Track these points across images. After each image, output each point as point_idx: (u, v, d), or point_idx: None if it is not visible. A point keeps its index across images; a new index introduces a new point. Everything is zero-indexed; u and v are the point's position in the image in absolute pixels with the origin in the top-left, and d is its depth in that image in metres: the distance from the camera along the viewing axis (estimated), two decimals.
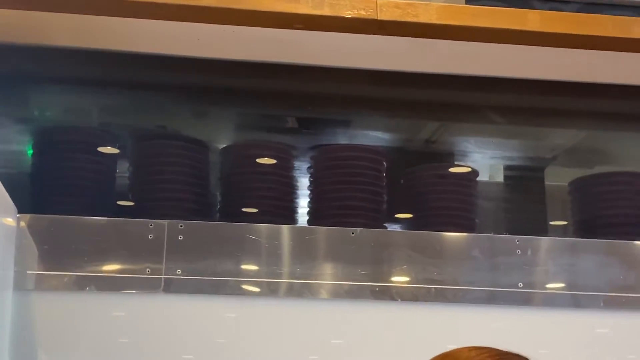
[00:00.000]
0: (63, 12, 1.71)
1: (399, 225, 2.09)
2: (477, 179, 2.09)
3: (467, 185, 2.07)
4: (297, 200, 2.01)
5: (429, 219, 2.01)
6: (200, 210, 1.93)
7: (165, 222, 1.76)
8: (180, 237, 1.75)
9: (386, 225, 2.00)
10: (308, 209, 2.00)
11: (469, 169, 2.11)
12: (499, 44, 1.87)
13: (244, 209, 1.94)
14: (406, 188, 2.07)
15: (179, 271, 1.73)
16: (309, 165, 2.03)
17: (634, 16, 1.83)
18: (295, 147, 2.05)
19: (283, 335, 1.75)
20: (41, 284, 1.70)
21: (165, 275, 1.73)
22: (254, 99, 2.13)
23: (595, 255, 1.88)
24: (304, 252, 1.80)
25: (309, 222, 1.98)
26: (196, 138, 2.01)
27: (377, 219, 1.97)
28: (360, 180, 1.96)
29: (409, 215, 2.06)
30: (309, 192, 2.01)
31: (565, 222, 2.21)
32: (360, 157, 2.00)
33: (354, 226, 1.85)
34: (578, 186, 2.14)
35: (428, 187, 2.05)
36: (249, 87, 2.11)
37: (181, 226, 1.76)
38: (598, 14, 1.83)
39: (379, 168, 2.02)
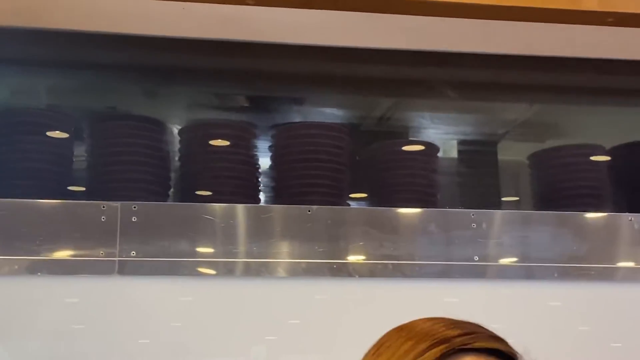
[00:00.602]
0: None
1: (364, 203, 2.09)
2: (437, 154, 2.10)
3: (427, 161, 2.07)
4: (258, 179, 1.99)
5: (390, 195, 2.01)
6: (159, 191, 1.90)
7: (118, 203, 1.72)
8: (134, 219, 1.72)
9: (349, 203, 1.99)
10: (270, 187, 1.99)
11: (423, 147, 2.11)
12: (452, 18, 1.87)
13: (200, 191, 1.92)
14: (367, 165, 2.06)
15: (133, 253, 1.70)
16: (269, 144, 2.01)
17: None
18: (254, 125, 2.03)
19: (241, 315, 1.74)
20: None
21: (119, 257, 1.69)
22: (206, 77, 2.10)
23: (548, 227, 1.90)
24: (260, 231, 1.78)
25: (270, 201, 1.97)
26: (151, 117, 1.97)
27: (338, 196, 1.96)
28: (320, 158, 1.95)
29: (364, 195, 2.05)
30: (270, 171, 2.00)
31: (517, 198, 2.22)
32: (320, 134, 1.99)
33: (315, 204, 1.84)
34: (538, 159, 2.15)
35: (388, 164, 2.05)
36: (200, 65, 2.07)
37: (134, 207, 1.73)
38: None
39: (339, 145, 2.00)
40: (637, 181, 2.11)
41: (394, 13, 1.81)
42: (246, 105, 2.21)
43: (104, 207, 1.71)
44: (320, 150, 1.95)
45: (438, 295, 1.82)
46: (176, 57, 2.06)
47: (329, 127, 2.03)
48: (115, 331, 1.68)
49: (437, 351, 0.90)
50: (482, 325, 0.95)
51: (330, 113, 2.20)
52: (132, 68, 2.06)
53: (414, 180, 2.03)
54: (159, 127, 1.96)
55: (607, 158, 2.12)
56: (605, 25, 1.86)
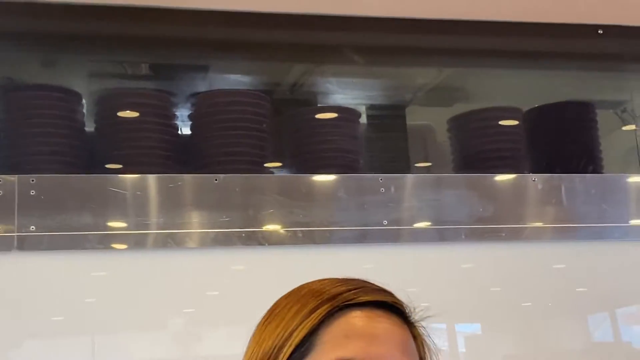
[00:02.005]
0: None
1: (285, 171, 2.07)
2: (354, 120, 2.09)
3: (343, 126, 2.07)
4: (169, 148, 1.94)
5: (305, 162, 2.01)
6: (73, 163, 1.84)
7: (15, 177, 1.66)
8: (33, 192, 1.66)
9: (273, 171, 1.98)
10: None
11: (335, 114, 2.10)
12: None
13: (113, 163, 1.87)
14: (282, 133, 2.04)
15: (32, 228, 1.65)
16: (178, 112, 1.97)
17: None
18: (167, 93, 1.98)
19: (156, 289, 1.71)
20: None
21: (17, 232, 1.64)
22: (107, 44, 2.03)
23: (455, 190, 1.92)
24: (168, 201, 1.75)
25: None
26: (55, 85, 1.90)
27: (258, 163, 1.94)
28: (238, 126, 1.92)
29: (279, 164, 2.03)
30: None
31: (429, 164, 2.24)
32: (237, 102, 1.96)
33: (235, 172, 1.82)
34: (456, 123, 2.17)
35: (302, 132, 2.03)
36: (99, 32, 2.00)
37: (32, 180, 1.67)
38: None
39: (259, 112, 1.97)
40: (548, 142, 2.15)
41: None
42: (150, 73, 2.15)
43: (0, 181, 1.65)
44: (237, 117, 1.93)
45: (351, 261, 1.82)
46: (75, 25, 1.98)
47: (245, 94, 2.00)
48: (24, 310, 1.62)
49: (322, 310, 0.92)
50: (368, 280, 0.97)
51: (235, 80, 2.17)
52: (30, 36, 1.98)
53: (330, 147, 2.03)
54: (64, 96, 1.89)
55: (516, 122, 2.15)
56: None
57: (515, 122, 2.14)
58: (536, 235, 1.96)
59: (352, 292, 0.94)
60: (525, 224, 1.94)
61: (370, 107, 2.27)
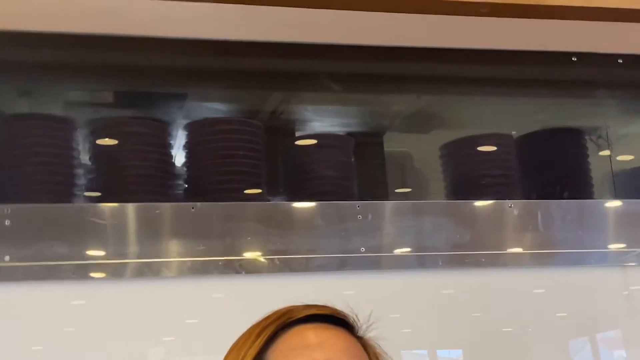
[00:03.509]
0: None
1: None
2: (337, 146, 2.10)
3: (324, 153, 2.09)
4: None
5: (286, 189, 2.02)
6: (50, 190, 1.83)
7: None
8: (7, 222, 1.65)
9: (270, 198, 1.98)
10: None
11: (314, 141, 2.11)
12: (334, 10, 1.87)
13: (87, 192, 1.87)
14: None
15: (7, 258, 1.63)
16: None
17: None
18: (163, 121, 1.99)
19: (135, 318, 1.70)
20: None
21: None
22: (82, 73, 2.03)
23: (432, 217, 1.92)
24: (145, 230, 1.74)
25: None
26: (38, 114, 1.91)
27: (237, 190, 1.94)
28: (219, 154, 1.93)
29: (259, 191, 2.03)
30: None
31: (409, 189, 2.25)
32: (219, 130, 1.98)
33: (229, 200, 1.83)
34: (449, 150, 2.18)
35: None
36: (75, 60, 2.01)
37: (7, 210, 1.66)
38: None
39: (240, 139, 1.98)
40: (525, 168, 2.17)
41: (273, 5, 1.80)
42: (128, 101, 2.15)
43: None
44: (219, 146, 1.94)
45: (329, 288, 1.82)
46: (52, 53, 1.98)
47: (224, 122, 2.03)
48: (3, 340, 1.61)
49: (269, 329, 1.01)
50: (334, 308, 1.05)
51: (213, 108, 2.17)
52: (5, 65, 1.97)
53: (308, 174, 2.04)
54: (40, 124, 1.88)
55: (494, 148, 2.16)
56: (480, 15, 1.89)
57: (493, 149, 2.15)
58: (515, 261, 1.96)
59: (297, 310, 1.02)
60: (504, 250, 1.95)
61: (348, 134, 2.28)
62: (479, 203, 1.97)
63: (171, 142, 1.97)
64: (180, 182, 1.94)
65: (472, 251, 1.92)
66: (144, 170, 1.88)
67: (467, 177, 2.11)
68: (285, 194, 2.01)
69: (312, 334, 1.00)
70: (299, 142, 2.13)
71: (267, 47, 2.03)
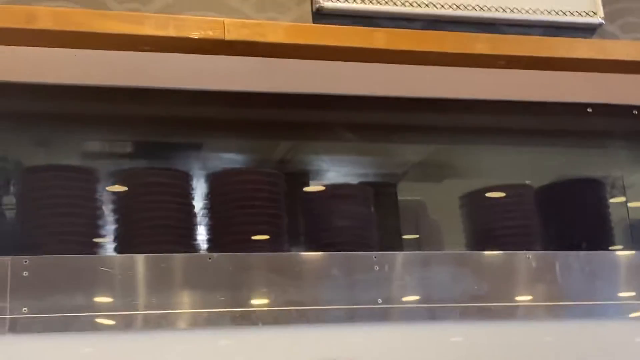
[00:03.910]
0: None
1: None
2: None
3: (340, 203, 2.08)
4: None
5: (301, 239, 2.01)
6: (67, 241, 1.82)
7: (9, 258, 1.65)
8: (25, 273, 1.65)
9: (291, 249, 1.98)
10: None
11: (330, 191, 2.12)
12: (347, 62, 1.89)
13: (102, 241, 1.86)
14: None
15: (25, 309, 1.63)
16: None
17: (476, 32, 1.90)
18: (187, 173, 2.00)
19: None
20: None
21: (10, 315, 1.61)
22: (101, 124, 2.05)
23: (449, 267, 1.92)
24: (160, 281, 1.73)
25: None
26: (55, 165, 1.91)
27: (251, 241, 1.94)
28: (237, 205, 1.94)
29: (265, 237, 2.03)
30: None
31: (417, 236, 2.25)
32: (238, 181, 1.99)
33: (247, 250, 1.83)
34: (467, 200, 2.18)
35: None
36: (94, 112, 2.02)
37: (25, 262, 1.66)
38: (442, 30, 1.88)
39: (273, 190, 2.00)
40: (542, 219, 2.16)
41: (288, 58, 1.82)
42: (142, 151, 2.16)
43: None
44: (238, 197, 1.94)
45: (343, 339, 1.81)
46: (69, 105, 2.00)
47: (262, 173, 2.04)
48: None
49: None
50: None
51: (227, 158, 2.18)
52: (25, 116, 1.99)
53: (323, 224, 2.03)
54: (56, 175, 1.89)
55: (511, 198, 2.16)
56: (497, 67, 1.92)
57: (509, 199, 2.15)
58: (530, 313, 1.95)
59: None
60: (518, 302, 1.94)
61: (363, 184, 2.28)
62: (496, 254, 1.97)
63: (189, 191, 1.97)
64: (199, 232, 1.94)
65: (486, 302, 1.91)
66: (162, 221, 1.88)
67: (484, 227, 2.11)
68: (302, 244, 2.00)
69: None
70: (313, 191, 2.13)
71: (280, 98, 2.05)
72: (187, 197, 1.96)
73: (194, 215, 1.96)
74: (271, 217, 1.97)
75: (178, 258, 1.78)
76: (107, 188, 1.93)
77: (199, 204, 1.97)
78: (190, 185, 1.98)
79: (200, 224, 1.96)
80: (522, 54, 1.89)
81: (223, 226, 1.95)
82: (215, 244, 1.93)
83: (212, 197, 1.98)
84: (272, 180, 2.02)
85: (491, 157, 2.32)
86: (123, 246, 1.87)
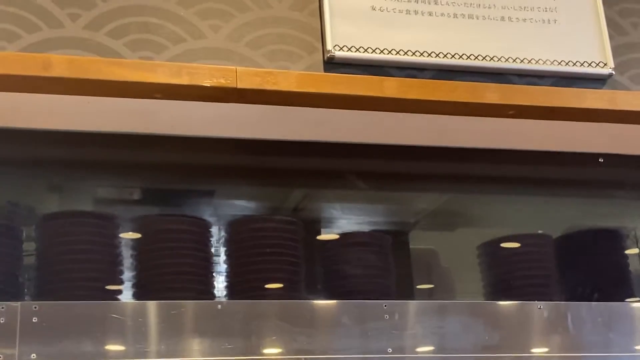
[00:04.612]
0: None
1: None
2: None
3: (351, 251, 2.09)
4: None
5: (311, 287, 2.02)
6: (77, 287, 1.83)
7: (18, 304, 1.65)
8: (35, 319, 1.65)
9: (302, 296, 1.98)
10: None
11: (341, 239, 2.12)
12: (358, 111, 1.90)
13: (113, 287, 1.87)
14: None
15: (33, 355, 1.62)
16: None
17: (486, 82, 1.91)
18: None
19: None
20: None
21: None
22: (113, 171, 2.07)
23: (461, 317, 1.90)
24: (169, 328, 1.73)
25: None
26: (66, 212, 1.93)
27: (261, 289, 1.95)
28: (249, 253, 1.95)
29: (279, 285, 2.03)
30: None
31: (432, 286, 2.24)
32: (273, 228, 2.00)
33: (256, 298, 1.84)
34: (487, 250, 2.19)
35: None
36: (106, 159, 2.04)
37: (35, 307, 1.66)
38: (452, 80, 1.89)
39: (292, 237, 2.01)
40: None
41: (299, 106, 1.84)
42: (154, 198, 2.18)
43: (2, 307, 1.64)
44: (252, 244, 1.96)
45: None
46: (81, 151, 2.02)
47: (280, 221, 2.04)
48: None
49: None
50: None
51: (239, 205, 2.19)
52: (37, 163, 2.01)
53: (333, 272, 2.05)
54: (66, 222, 1.90)
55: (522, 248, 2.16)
56: (507, 117, 1.92)
57: (521, 249, 2.14)
58: None
59: None
60: (532, 353, 1.92)
61: (374, 232, 2.28)
62: (508, 304, 1.95)
63: (204, 239, 1.98)
64: (213, 279, 1.95)
65: (497, 353, 1.89)
66: (176, 268, 1.89)
67: (497, 276, 2.10)
68: (313, 292, 2.00)
69: None
70: (325, 239, 2.14)
71: (292, 145, 2.06)
72: (201, 243, 1.97)
73: (209, 262, 1.96)
74: (286, 265, 1.98)
75: (188, 305, 1.77)
76: (120, 235, 1.94)
77: (214, 251, 1.98)
78: (205, 232, 1.99)
79: (214, 271, 1.97)
80: (532, 103, 1.89)
81: (237, 274, 1.96)
82: (229, 290, 1.93)
83: (227, 244, 1.99)
84: (289, 227, 2.02)
85: (502, 207, 2.32)
86: (134, 293, 1.88)
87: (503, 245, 2.17)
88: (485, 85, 1.92)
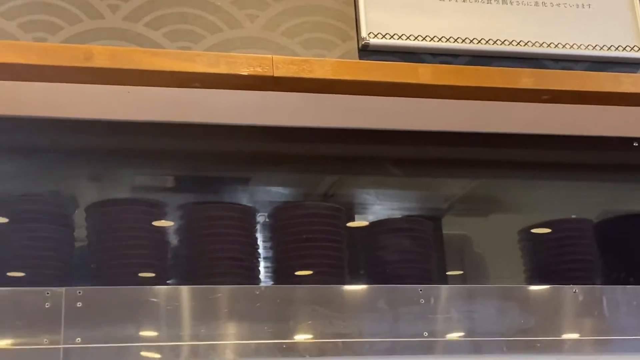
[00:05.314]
0: None
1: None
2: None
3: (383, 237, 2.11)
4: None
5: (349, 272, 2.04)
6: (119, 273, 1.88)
7: (63, 289, 1.68)
8: (79, 304, 1.69)
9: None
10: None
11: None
12: (393, 97, 1.91)
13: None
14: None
15: (78, 340, 1.66)
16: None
17: (521, 67, 1.91)
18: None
19: None
20: None
21: (64, 345, 1.65)
22: (151, 159, 2.10)
23: (495, 301, 1.91)
24: (208, 312, 1.76)
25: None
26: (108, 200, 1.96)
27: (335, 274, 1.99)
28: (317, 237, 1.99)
29: (317, 270, 2.06)
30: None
31: (462, 272, 2.25)
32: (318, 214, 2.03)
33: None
34: (522, 235, 2.20)
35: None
36: (146, 147, 2.07)
37: (79, 292, 1.70)
38: (486, 66, 1.90)
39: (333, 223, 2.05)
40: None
41: (335, 93, 1.85)
42: (191, 186, 2.21)
43: (48, 293, 1.68)
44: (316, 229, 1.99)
45: None
46: (120, 140, 2.05)
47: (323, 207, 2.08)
48: None
49: None
50: None
51: (275, 192, 2.21)
52: (78, 152, 2.05)
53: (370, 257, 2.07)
54: (108, 210, 1.94)
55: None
56: (541, 102, 1.92)
57: (558, 235, 2.15)
58: (576, 348, 1.93)
59: None
60: (565, 336, 1.93)
61: (407, 217, 2.30)
62: (542, 287, 1.96)
63: (247, 224, 2.01)
64: (255, 264, 1.98)
65: (532, 337, 1.90)
66: (218, 254, 1.92)
67: (532, 262, 2.10)
68: (348, 278, 2.02)
69: None
70: (359, 225, 2.15)
71: (327, 132, 2.08)
72: (245, 229, 2.00)
73: (252, 248, 2.00)
74: (322, 251, 2.00)
75: (225, 290, 1.80)
76: (163, 221, 1.97)
77: (255, 236, 2.01)
78: (248, 218, 2.02)
79: (258, 257, 2.00)
80: (566, 88, 1.90)
81: (275, 259, 1.99)
82: (267, 276, 1.96)
83: (266, 230, 2.02)
84: (326, 213, 2.05)
85: (537, 192, 2.32)
86: (177, 278, 1.91)
87: (536, 230, 2.17)
88: (520, 71, 1.93)
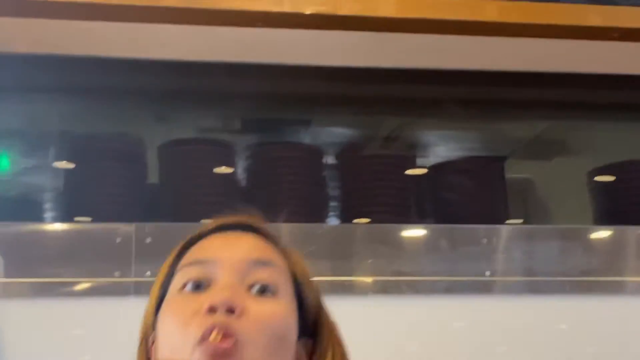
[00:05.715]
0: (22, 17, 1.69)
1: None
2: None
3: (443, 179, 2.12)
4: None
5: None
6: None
7: (133, 225, 1.73)
8: (149, 240, 1.73)
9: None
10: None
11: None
12: (458, 36, 1.89)
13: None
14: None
15: (148, 273, 1.71)
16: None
17: (589, 4, 1.87)
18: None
19: None
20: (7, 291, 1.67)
21: (135, 278, 1.70)
22: (215, 100, 2.12)
23: (557, 242, 1.90)
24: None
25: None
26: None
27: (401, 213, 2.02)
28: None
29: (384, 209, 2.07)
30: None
31: (530, 216, 2.23)
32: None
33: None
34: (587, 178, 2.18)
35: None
36: (209, 88, 2.10)
37: (147, 229, 1.74)
38: (554, 2, 1.86)
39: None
40: None
41: (399, 32, 1.84)
42: (253, 127, 2.23)
43: (118, 228, 1.73)
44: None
45: (451, 311, 1.81)
46: (184, 81, 2.08)
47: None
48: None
49: (184, 242, 1.07)
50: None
51: (337, 132, 2.22)
52: (143, 92, 2.08)
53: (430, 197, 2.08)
54: (176, 150, 1.99)
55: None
56: (610, 40, 1.88)
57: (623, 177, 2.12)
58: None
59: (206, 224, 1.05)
60: (629, 277, 1.91)
61: (471, 158, 2.28)
62: (605, 228, 1.94)
63: (317, 165, 2.03)
64: (325, 203, 2.01)
65: (599, 277, 1.88)
66: (294, 192, 1.96)
67: (597, 204, 2.08)
68: (412, 218, 2.03)
69: (219, 238, 1.02)
70: (422, 165, 2.16)
71: (391, 73, 2.07)
72: (312, 169, 2.02)
73: (320, 186, 2.02)
74: (385, 190, 2.02)
75: (287, 228, 1.82)
76: (228, 161, 2.00)
77: (322, 176, 2.03)
78: (315, 158, 2.04)
79: (324, 196, 2.02)
80: (637, 26, 1.84)
81: (340, 199, 2.01)
82: (332, 214, 1.98)
83: (331, 171, 2.04)
84: (389, 153, 2.07)
85: (602, 134, 2.28)
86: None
87: (602, 174, 2.14)
88: (588, 7, 1.88)
